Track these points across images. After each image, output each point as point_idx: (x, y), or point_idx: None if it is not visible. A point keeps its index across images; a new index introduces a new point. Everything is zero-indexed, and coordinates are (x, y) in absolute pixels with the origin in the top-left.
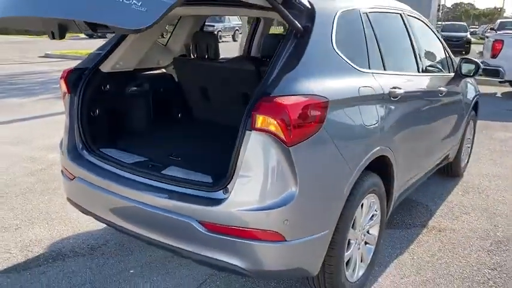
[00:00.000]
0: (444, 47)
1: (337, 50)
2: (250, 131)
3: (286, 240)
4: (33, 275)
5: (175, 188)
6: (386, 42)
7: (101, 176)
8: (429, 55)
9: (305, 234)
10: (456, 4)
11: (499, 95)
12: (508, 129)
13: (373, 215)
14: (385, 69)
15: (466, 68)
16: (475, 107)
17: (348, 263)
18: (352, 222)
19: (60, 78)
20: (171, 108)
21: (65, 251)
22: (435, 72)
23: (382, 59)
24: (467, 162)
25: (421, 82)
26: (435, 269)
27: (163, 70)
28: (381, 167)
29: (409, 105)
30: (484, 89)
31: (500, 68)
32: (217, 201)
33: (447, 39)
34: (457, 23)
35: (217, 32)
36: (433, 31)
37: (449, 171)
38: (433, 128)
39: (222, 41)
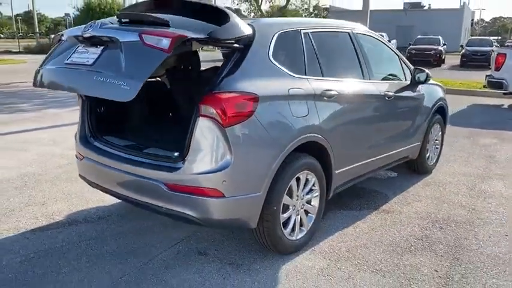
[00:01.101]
0: (400, 59)
1: (273, 60)
2: (198, 117)
3: (225, 196)
4: (53, 233)
5: (150, 161)
6: (327, 55)
7: (101, 155)
8: (379, 65)
9: (240, 193)
10: (495, 18)
11: (505, 106)
12: (496, 137)
13: (312, 189)
14: (323, 76)
15: (419, 76)
16: (441, 112)
17: (286, 223)
18: (286, 191)
19: None
20: (161, 107)
21: (78, 219)
22: (384, 79)
23: (320, 68)
24: (437, 161)
25: (364, 87)
26: (370, 238)
27: (158, 79)
28: (318, 152)
29: (345, 104)
30: (493, 101)
31: (503, 80)
32: (177, 169)
33: (472, 54)
34: (483, 37)
35: None
36: (388, 46)
37: (416, 168)
38: (377, 127)
39: None
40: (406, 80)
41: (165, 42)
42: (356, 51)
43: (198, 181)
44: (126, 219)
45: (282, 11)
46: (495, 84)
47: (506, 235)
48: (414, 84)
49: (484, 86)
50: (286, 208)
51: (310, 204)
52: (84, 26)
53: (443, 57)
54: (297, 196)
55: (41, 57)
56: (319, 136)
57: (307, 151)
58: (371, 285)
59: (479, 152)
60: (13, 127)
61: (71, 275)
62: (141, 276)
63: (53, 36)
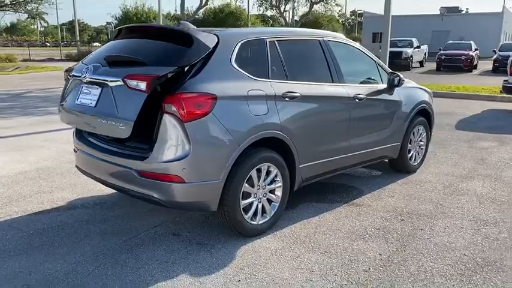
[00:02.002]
0: (377, 64)
1: (235, 65)
2: (163, 114)
3: (185, 182)
4: (53, 216)
5: (126, 152)
6: (294, 60)
7: (91, 147)
8: (352, 70)
9: (199, 180)
10: None
11: None
12: (497, 140)
13: (275, 180)
14: (287, 79)
15: (393, 79)
16: (425, 115)
17: (248, 209)
18: (245, 180)
19: None
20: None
21: (77, 205)
22: (357, 82)
23: (285, 72)
24: (422, 161)
25: (331, 90)
26: (331, 226)
27: None
28: (280, 147)
29: (309, 105)
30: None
31: None
32: (146, 158)
33: (504, 59)
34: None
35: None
36: (364, 53)
37: (398, 168)
38: (346, 126)
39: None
40: (382, 84)
41: (143, 86)
42: (326, 57)
43: (162, 168)
44: (117, 205)
45: (315, 18)
46: (510, 89)
47: (462, 227)
48: (390, 87)
49: (501, 91)
50: (247, 195)
51: (274, 194)
52: (82, 68)
53: (474, 63)
54: (259, 185)
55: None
56: (280, 133)
57: (269, 146)
58: (315, 264)
59: (473, 154)
60: (40, 128)
61: (60, 247)
62: (118, 250)
63: (95, 43)
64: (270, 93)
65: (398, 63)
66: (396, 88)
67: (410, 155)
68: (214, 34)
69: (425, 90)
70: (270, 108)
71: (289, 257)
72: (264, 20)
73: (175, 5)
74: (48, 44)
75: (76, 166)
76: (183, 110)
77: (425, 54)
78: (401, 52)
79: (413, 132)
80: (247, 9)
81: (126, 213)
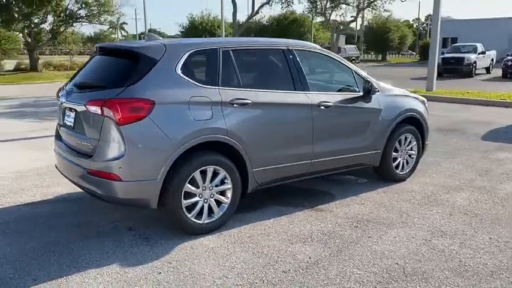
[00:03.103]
0: (354, 72)
1: (180, 73)
2: (103, 117)
3: (123, 180)
4: (37, 207)
5: (79, 151)
6: (249, 69)
7: (60, 148)
8: (321, 78)
9: (135, 178)
10: None
11: None
12: None
13: (224, 182)
14: (240, 87)
15: (366, 87)
16: (415, 123)
17: (192, 208)
18: (187, 181)
19: None
20: None
21: (62, 199)
22: (327, 90)
23: (238, 79)
24: (412, 170)
25: (290, 97)
26: (280, 229)
27: None
28: (230, 151)
29: (261, 111)
30: None
31: None
32: (91, 157)
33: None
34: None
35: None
36: (340, 62)
37: (383, 176)
38: (307, 133)
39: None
40: (359, 92)
41: (98, 110)
42: (288, 65)
43: (102, 167)
44: (94, 201)
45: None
46: None
47: (413, 238)
48: (367, 95)
49: None
50: (191, 195)
51: (224, 196)
52: (62, 92)
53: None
54: (204, 186)
55: None
56: (226, 137)
57: (216, 149)
58: (240, 262)
59: (481, 165)
60: None
61: (32, 233)
62: (72, 240)
63: None
64: (216, 99)
65: (460, 69)
66: (377, 95)
67: (396, 163)
68: (163, 45)
69: (415, 98)
70: (214, 114)
71: (220, 255)
72: (325, 27)
73: (247, 12)
74: None
75: (55, 166)
76: (119, 114)
77: (492, 60)
78: (463, 58)
79: (400, 141)
80: (310, 16)
81: (100, 208)
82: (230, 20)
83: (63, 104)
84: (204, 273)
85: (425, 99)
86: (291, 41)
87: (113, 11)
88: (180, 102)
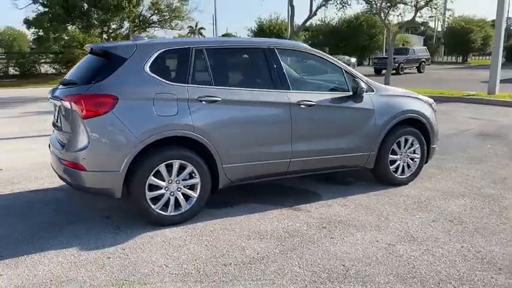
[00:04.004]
0: (347, 72)
1: (148, 71)
2: (72, 111)
3: (87, 170)
4: (33, 195)
5: (60, 143)
6: (223, 68)
7: (52, 145)
8: (307, 77)
9: (98, 169)
10: None
11: None
12: None
13: (193, 177)
14: (213, 85)
15: (354, 87)
16: (418, 125)
17: (157, 200)
18: (151, 173)
19: None
20: None
21: (52, 188)
22: (311, 89)
23: (211, 77)
24: (414, 175)
25: (267, 96)
26: (246, 226)
27: None
28: (198, 146)
29: (232, 109)
30: None
31: None
32: (63, 148)
33: None
34: None
35: (399, 64)
36: (330, 62)
37: (380, 179)
38: (284, 132)
39: (404, 73)
40: (349, 91)
41: (69, 105)
42: (268, 65)
43: (69, 157)
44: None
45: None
46: None
47: (377, 241)
48: (357, 95)
49: None
50: (157, 187)
51: (193, 190)
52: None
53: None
54: (171, 180)
55: None
56: (192, 133)
57: (185, 144)
58: (188, 254)
59: (501, 173)
60: None
61: (13, 219)
62: (53, 225)
63: None
64: (182, 96)
65: None
66: (370, 95)
67: (394, 166)
68: (134, 44)
69: (419, 99)
70: (180, 110)
71: (173, 246)
72: (401, 26)
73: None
74: None
75: (50, 164)
76: (84, 108)
77: None
78: None
79: (399, 143)
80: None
81: (91, 198)
82: (298, 22)
83: (49, 99)
84: (148, 261)
85: (432, 101)
86: (278, 40)
87: (183, 16)
88: (145, 98)
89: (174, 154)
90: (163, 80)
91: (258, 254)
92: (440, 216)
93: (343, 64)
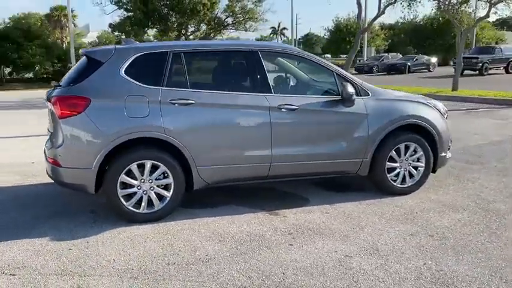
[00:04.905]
0: (338, 76)
1: (123, 75)
2: (52, 111)
3: (62, 167)
4: (32, 188)
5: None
6: (200, 71)
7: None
8: (292, 81)
9: (72, 166)
10: None
11: None
12: None
13: (166, 177)
14: (187, 88)
15: (342, 91)
16: (422, 131)
17: (130, 197)
18: (122, 172)
19: None
20: None
21: (41, 182)
22: (297, 93)
23: (186, 80)
24: (418, 184)
25: (244, 99)
26: (213, 227)
27: None
28: (171, 147)
29: (207, 111)
30: None
31: None
32: (49, 147)
33: None
34: None
35: (483, 64)
36: (322, 65)
37: (378, 188)
38: (262, 135)
39: (489, 74)
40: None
41: (50, 106)
42: (248, 68)
43: (51, 154)
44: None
45: None
46: None
47: (335, 251)
48: (347, 99)
49: None
50: (129, 186)
51: (167, 190)
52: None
53: None
54: (143, 179)
55: None
56: (163, 134)
57: (158, 145)
58: (143, 251)
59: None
60: None
61: (12, 208)
62: (43, 217)
63: None
64: (154, 99)
65: None
66: (364, 99)
67: (392, 174)
68: (113, 48)
69: (424, 104)
70: (151, 112)
71: (134, 243)
72: (495, 24)
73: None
74: None
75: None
76: (59, 109)
77: None
78: None
79: (398, 149)
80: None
81: (69, 193)
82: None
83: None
84: (101, 255)
85: (442, 106)
86: (265, 43)
87: (256, 18)
88: (116, 100)
89: (145, 154)
90: (137, 83)
91: (206, 255)
92: (422, 230)
93: (336, 67)
